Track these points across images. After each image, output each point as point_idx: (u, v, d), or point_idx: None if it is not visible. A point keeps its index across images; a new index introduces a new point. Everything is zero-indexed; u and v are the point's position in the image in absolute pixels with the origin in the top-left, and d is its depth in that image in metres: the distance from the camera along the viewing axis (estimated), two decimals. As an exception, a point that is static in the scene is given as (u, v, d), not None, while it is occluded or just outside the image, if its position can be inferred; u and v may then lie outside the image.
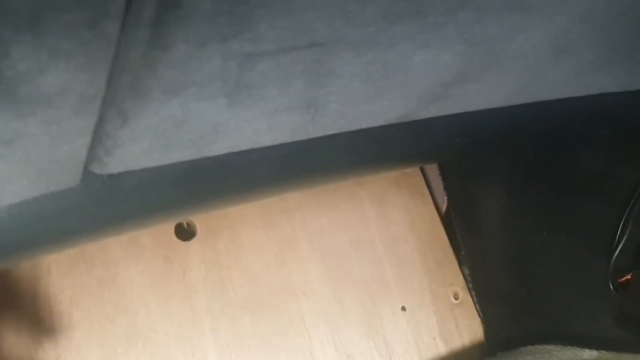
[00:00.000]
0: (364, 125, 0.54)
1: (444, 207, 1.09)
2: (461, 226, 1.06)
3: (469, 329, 1.01)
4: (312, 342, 0.89)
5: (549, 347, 0.85)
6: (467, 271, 1.05)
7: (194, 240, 0.88)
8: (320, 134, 0.51)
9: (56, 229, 0.44)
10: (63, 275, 0.80)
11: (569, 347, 0.83)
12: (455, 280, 1.04)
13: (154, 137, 0.39)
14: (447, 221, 1.08)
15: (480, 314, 1.03)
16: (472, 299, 1.03)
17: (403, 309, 0.97)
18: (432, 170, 1.10)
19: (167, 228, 0.87)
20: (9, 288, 0.77)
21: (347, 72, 0.40)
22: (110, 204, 0.45)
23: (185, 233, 0.89)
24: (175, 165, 0.47)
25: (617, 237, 0.82)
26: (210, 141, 0.43)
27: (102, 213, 0.45)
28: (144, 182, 0.47)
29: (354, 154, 0.61)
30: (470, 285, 1.04)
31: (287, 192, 0.69)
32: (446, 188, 1.08)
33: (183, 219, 0.75)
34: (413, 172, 1.08)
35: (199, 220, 0.89)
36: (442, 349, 0.98)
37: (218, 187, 0.52)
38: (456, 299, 1.02)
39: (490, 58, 0.47)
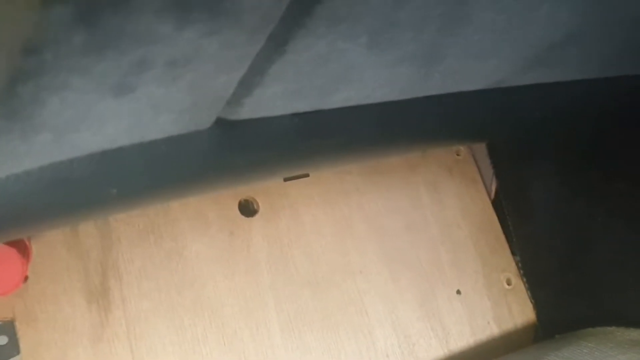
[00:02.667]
0: (465, 87, 0.54)
1: (493, 193, 1.09)
2: (512, 212, 1.07)
3: (521, 313, 1.01)
4: (370, 320, 0.90)
5: (609, 328, 0.85)
6: (518, 257, 1.05)
7: (257, 217, 0.89)
8: (423, 93, 0.52)
9: (178, 171, 0.45)
10: (133, 246, 0.81)
11: (632, 328, 0.83)
12: (507, 266, 1.04)
13: (292, 80, 0.40)
14: (496, 207, 1.08)
15: (532, 300, 1.03)
16: (524, 285, 1.04)
17: (458, 292, 0.98)
18: (482, 156, 1.10)
19: (231, 204, 0.88)
20: (80, 256, 0.78)
21: (477, 19, 0.41)
22: (228, 151, 0.46)
23: (248, 210, 0.90)
24: (289, 118, 0.48)
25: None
26: (333, 90, 0.44)
27: (219, 159, 0.46)
28: (260, 132, 0.48)
29: (441, 121, 0.62)
30: (522, 271, 1.04)
31: (380, 156, 0.69)
32: (496, 174, 1.09)
33: (281, 176, 0.76)
34: (465, 159, 1.09)
35: (261, 198, 0.90)
36: (496, 333, 0.98)
37: (320, 145, 0.53)
38: (509, 284, 1.03)
39: (602, 21, 0.48)
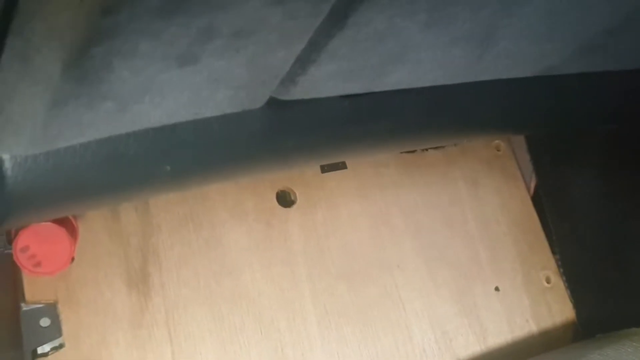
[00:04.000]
0: (515, 73, 0.53)
1: (531, 190, 1.07)
2: (552, 210, 1.05)
3: (560, 312, 0.99)
4: (407, 315, 0.89)
5: (655, 328, 0.83)
6: (558, 256, 1.03)
7: (294, 208, 0.89)
8: (473, 78, 0.51)
9: (228, 151, 0.45)
10: (172, 233, 0.81)
11: (678, 328, 0.81)
12: (547, 264, 1.02)
13: (347, 58, 0.39)
14: (536, 205, 1.06)
15: (572, 299, 1.01)
16: (564, 284, 1.02)
17: (496, 289, 0.96)
18: (522, 152, 1.08)
19: (269, 194, 0.88)
20: (120, 242, 0.79)
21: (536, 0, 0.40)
22: (278, 132, 0.46)
23: (285, 200, 0.90)
24: (339, 100, 0.48)
25: None
26: (387, 71, 0.44)
27: (269, 141, 0.46)
28: (310, 114, 0.47)
29: (488, 108, 0.61)
30: (561, 270, 1.02)
31: (424, 143, 0.69)
32: (536, 171, 1.07)
33: (329, 161, 0.75)
34: (505, 154, 1.07)
35: (299, 189, 0.90)
36: (535, 331, 0.96)
37: (368, 129, 0.53)
38: (548, 283, 1.01)
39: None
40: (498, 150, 1.06)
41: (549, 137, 1.06)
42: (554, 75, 0.58)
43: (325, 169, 0.92)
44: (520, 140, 1.09)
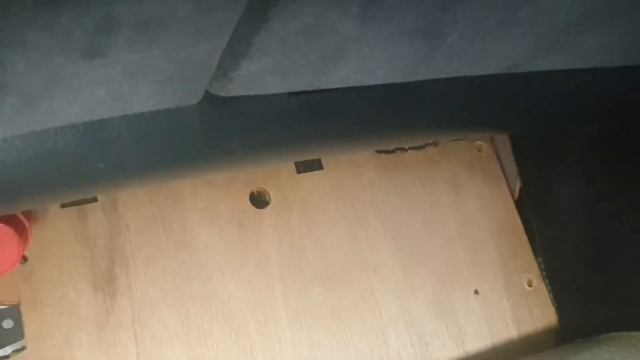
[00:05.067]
0: (473, 71, 0.52)
1: (516, 193, 1.05)
2: (535, 213, 1.03)
3: (542, 316, 0.97)
4: (383, 319, 0.87)
5: (634, 333, 0.81)
6: (540, 259, 1.01)
7: (268, 209, 0.88)
8: (429, 76, 0.50)
9: (167, 149, 0.43)
10: (140, 234, 0.80)
11: (657, 334, 0.79)
12: (529, 267, 1.00)
13: (281, 53, 0.38)
14: (520, 207, 1.05)
15: (554, 303, 0.99)
16: (546, 288, 1.00)
17: (476, 292, 0.94)
18: (506, 154, 1.07)
19: (242, 195, 0.87)
20: (87, 242, 0.77)
21: (479, -7, 0.39)
22: (220, 130, 0.45)
23: (259, 201, 0.88)
24: (286, 98, 0.47)
25: None
26: (329, 67, 0.42)
27: (211, 139, 0.45)
28: (255, 112, 0.46)
29: (448, 108, 0.59)
30: (544, 273, 1.01)
31: (377, 144, 0.67)
32: (520, 173, 1.05)
33: (281, 161, 0.74)
34: (487, 155, 1.05)
35: (273, 189, 0.89)
36: (515, 335, 0.94)
37: (320, 128, 0.51)
38: (530, 286, 0.99)
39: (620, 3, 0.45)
40: (480, 152, 1.04)
41: (533, 139, 1.05)
42: (522, 72, 0.56)
43: (300, 169, 0.91)
44: (504, 142, 1.07)
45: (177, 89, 0.37)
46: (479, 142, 1.05)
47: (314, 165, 0.92)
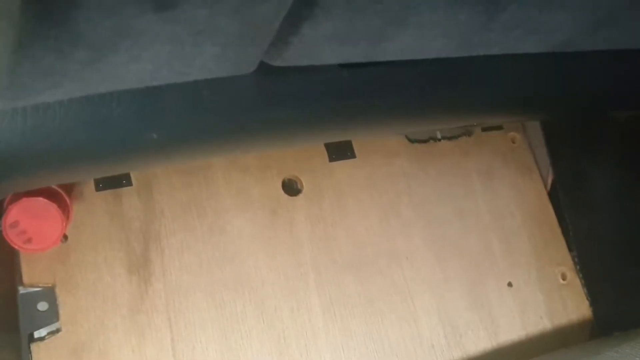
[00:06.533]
0: (527, 47, 0.51)
1: (549, 184, 1.04)
2: (569, 205, 1.01)
3: (576, 310, 0.95)
4: (415, 309, 0.86)
5: (677, 327, 0.79)
6: (574, 252, 0.99)
7: (300, 196, 0.87)
8: (484, 50, 0.49)
9: (220, 121, 0.43)
10: (175, 218, 0.79)
11: (702, 327, 0.77)
12: (563, 260, 0.98)
13: (344, 15, 0.37)
14: (552, 199, 1.03)
15: (589, 297, 0.97)
16: (580, 281, 0.98)
17: (509, 284, 0.93)
18: (539, 146, 1.05)
19: (275, 182, 0.86)
20: (122, 226, 0.77)
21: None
22: (272, 102, 0.44)
23: (291, 189, 0.87)
24: (338, 71, 0.46)
25: None
26: (388, 35, 0.41)
27: (263, 110, 0.44)
28: (307, 84, 0.45)
29: (499, 88, 0.58)
30: (578, 267, 0.99)
31: (430, 122, 0.65)
32: (553, 165, 1.03)
33: (330, 137, 0.73)
34: (521, 146, 1.04)
35: (306, 177, 0.88)
36: (549, 328, 0.92)
37: (370, 103, 0.50)
38: (564, 279, 0.97)
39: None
40: (513, 142, 1.03)
41: (567, 130, 1.03)
42: (570, 53, 0.55)
43: (333, 157, 0.90)
44: (537, 133, 1.05)
45: (237, 53, 0.36)
46: (513, 133, 1.04)
47: (346, 154, 0.91)
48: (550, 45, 0.51)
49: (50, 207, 0.57)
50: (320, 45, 0.40)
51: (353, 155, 0.91)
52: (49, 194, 0.58)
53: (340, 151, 0.90)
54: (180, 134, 0.42)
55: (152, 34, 0.31)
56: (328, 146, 0.90)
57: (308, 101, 0.46)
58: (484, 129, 1.02)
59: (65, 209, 0.61)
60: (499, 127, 1.03)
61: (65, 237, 0.67)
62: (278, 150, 0.79)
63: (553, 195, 1.03)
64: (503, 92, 0.56)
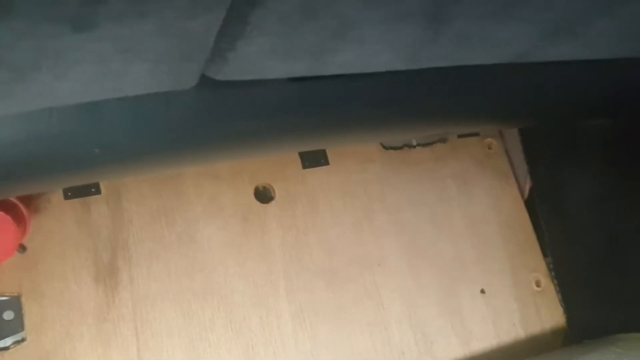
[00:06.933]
0: (479, 59, 0.51)
1: (526, 191, 1.04)
2: (545, 211, 1.01)
3: (550, 317, 0.96)
4: (387, 315, 0.86)
5: (644, 335, 0.79)
6: (549, 259, 0.99)
7: (272, 204, 0.87)
8: (433, 63, 0.49)
9: (163, 135, 0.43)
10: (144, 227, 0.79)
11: (671, 334, 0.77)
12: (537, 267, 0.98)
13: (278, 32, 0.37)
14: (529, 206, 1.03)
15: (563, 304, 0.97)
16: (555, 288, 0.98)
17: (482, 291, 0.93)
18: (516, 152, 1.05)
19: (247, 190, 0.86)
20: (89, 234, 0.77)
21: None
22: (219, 116, 0.44)
23: (264, 196, 0.87)
24: (286, 84, 0.46)
25: None
26: (330, 50, 0.41)
27: (210, 125, 0.44)
28: (255, 98, 0.45)
29: (455, 99, 0.58)
30: (553, 273, 0.99)
31: (382, 136, 0.65)
32: (530, 172, 1.03)
33: (283, 151, 0.73)
34: (497, 153, 1.04)
35: (278, 184, 0.88)
36: (522, 335, 0.92)
37: (322, 117, 0.50)
38: (538, 286, 0.97)
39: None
40: (489, 149, 1.03)
41: (544, 137, 1.03)
42: (533, 63, 0.55)
43: (306, 164, 0.90)
44: (515, 141, 1.05)
45: (172, 69, 0.36)
46: (489, 139, 1.04)
47: (319, 161, 0.91)
48: (506, 57, 0.51)
49: (4, 219, 0.57)
50: (261, 60, 0.40)
51: (327, 162, 0.91)
52: (4, 205, 0.58)
53: (313, 158, 0.90)
54: (123, 148, 0.42)
55: (75, 53, 0.30)
56: (302, 153, 0.90)
57: (256, 115, 0.46)
58: (460, 136, 1.02)
59: (21, 221, 0.61)
60: (475, 134, 1.03)
61: (23, 247, 0.67)
62: (232, 161, 0.79)
63: (530, 202, 1.03)
64: (460, 102, 0.56)
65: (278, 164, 0.88)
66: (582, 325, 0.94)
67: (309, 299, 0.83)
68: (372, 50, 0.43)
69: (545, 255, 1.00)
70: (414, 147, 0.98)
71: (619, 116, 0.83)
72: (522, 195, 1.04)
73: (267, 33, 0.36)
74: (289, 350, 0.80)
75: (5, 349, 0.70)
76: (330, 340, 0.82)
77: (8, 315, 0.71)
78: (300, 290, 0.83)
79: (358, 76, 0.48)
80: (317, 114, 0.49)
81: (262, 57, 0.39)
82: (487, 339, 0.90)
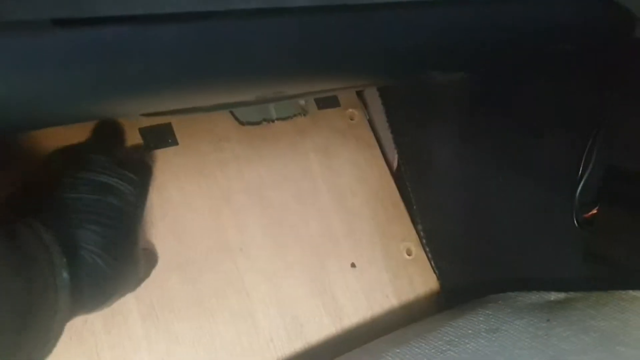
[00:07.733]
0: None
1: (395, 162, 1.01)
2: (412, 179, 0.99)
3: (423, 285, 0.93)
4: (252, 302, 0.80)
5: (512, 294, 0.78)
6: (420, 226, 0.97)
7: (114, 192, 0.77)
8: (241, 4, 0.42)
9: None
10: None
11: (534, 291, 0.76)
12: (407, 235, 0.96)
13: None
14: (398, 177, 1.00)
15: (436, 270, 0.95)
16: (427, 255, 0.96)
17: (353, 265, 0.89)
18: (381, 123, 1.02)
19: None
20: None
21: None
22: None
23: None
24: (50, 29, 0.37)
25: (581, 170, 0.76)
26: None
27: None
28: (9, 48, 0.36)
29: (277, 53, 0.51)
30: (424, 241, 0.97)
31: (184, 100, 0.57)
32: (395, 140, 1.01)
33: (66, 121, 0.62)
34: (360, 123, 1.00)
35: (119, 169, 0.78)
36: (396, 306, 0.89)
37: (106, 74, 0.42)
38: (409, 255, 0.95)
39: None
40: (352, 120, 0.99)
41: (407, 105, 1.00)
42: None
43: (150, 145, 0.81)
44: (379, 111, 1.02)
45: None
46: (351, 110, 1.00)
47: (166, 141, 0.82)
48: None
49: None
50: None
51: (175, 142, 0.83)
52: None
53: (158, 138, 0.82)
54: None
55: None
56: (144, 133, 0.81)
57: (17, 71, 0.37)
58: (320, 107, 0.97)
59: None
60: (336, 104, 0.99)
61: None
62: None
63: (399, 173, 1.01)
64: (282, 58, 0.50)
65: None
66: (455, 290, 0.93)
67: (161, 296, 0.74)
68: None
69: (415, 223, 0.98)
70: (273, 121, 0.92)
71: (470, 69, 0.81)
72: (392, 166, 1.01)
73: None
74: (141, 353, 0.71)
75: None
76: (188, 337, 0.74)
77: None
78: (151, 287, 0.74)
79: (146, 20, 0.40)
80: (100, 69, 0.41)
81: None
82: (360, 314, 0.86)
